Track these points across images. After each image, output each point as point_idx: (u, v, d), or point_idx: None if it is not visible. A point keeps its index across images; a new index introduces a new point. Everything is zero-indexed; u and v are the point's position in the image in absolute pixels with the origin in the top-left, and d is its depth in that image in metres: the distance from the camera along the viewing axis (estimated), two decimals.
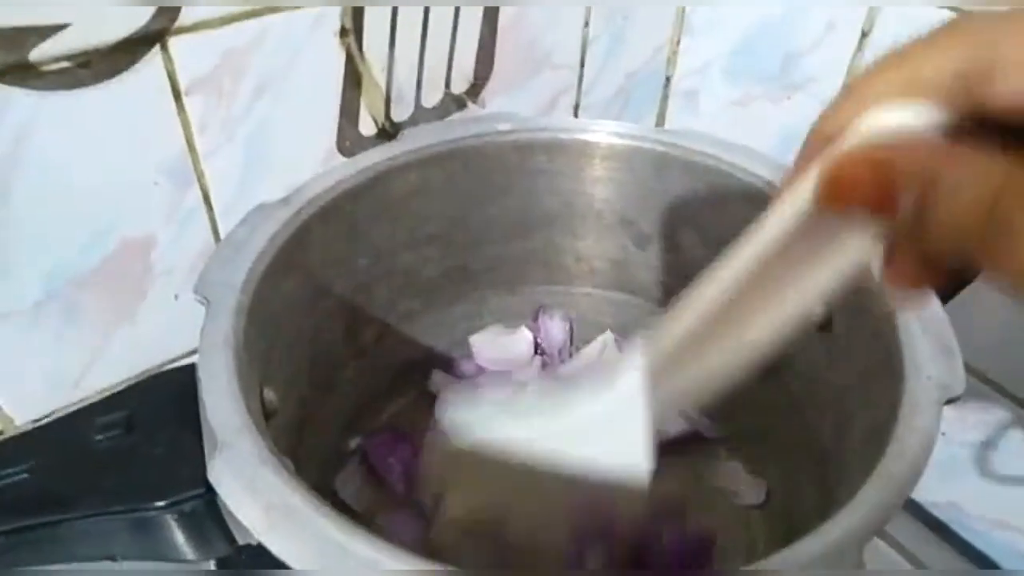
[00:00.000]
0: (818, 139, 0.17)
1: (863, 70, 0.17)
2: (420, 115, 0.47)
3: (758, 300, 0.20)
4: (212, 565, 0.40)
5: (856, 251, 0.17)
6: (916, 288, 0.17)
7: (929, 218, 0.14)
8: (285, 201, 0.31)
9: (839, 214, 0.16)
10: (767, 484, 0.39)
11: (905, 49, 0.16)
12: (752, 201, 0.34)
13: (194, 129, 0.40)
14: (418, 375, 0.43)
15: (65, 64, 0.34)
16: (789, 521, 0.35)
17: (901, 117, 0.15)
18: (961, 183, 0.14)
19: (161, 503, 0.24)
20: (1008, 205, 0.13)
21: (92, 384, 0.44)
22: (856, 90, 0.17)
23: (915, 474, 0.23)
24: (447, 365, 0.43)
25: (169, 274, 0.44)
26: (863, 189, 0.15)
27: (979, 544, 0.50)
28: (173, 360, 0.47)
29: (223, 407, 0.24)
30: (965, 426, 0.49)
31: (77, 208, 0.39)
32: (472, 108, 0.49)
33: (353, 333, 0.37)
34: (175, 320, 0.45)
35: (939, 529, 0.50)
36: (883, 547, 0.46)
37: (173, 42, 0.37)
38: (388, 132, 0.46)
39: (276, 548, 0.20)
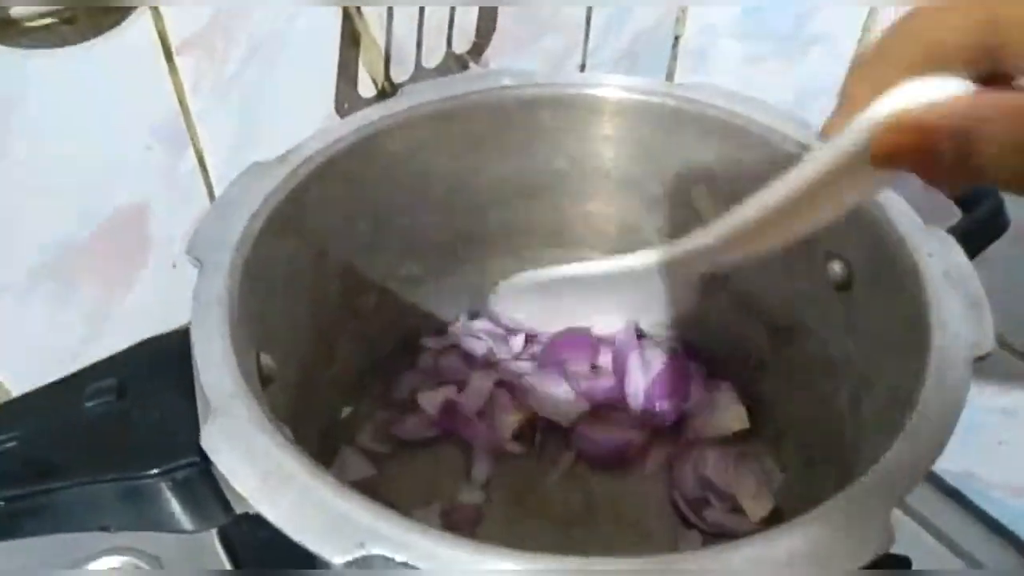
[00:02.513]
0: (851, 102, 0.19)
1: (883, 32, 0.19)
2: (421, 75, 0.45)
3: (778, 222, 0.25)
4: (215, 536, 0.40)
5: (884, 184, 0.22)
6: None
7: (972, 165, 0.16)
8: (281, 159, 0.30)
9: (884, 168, 0.18)
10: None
11: (921, 13, 0.18)
12: (767, 156, 0.33)
13: (187, 90, 0.39)
14: (423, 341, 0.42)
15: (49, 20, 0.33)
16: (808, 490, 0.34)
17: (934, 87, 0.17)
18: (997, 131, 0.15)
19: (154, 471, 0.23)
20: None
21: (92, 355, 0.43)
22: (883, 54, 0.19)
23: (945, 435, 0.22)
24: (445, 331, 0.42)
25: (166, 242, 0.43)
26: (909, 153, 0.17)
27: (995, 512, 0.49)
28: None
29: (217, 371, 0.23)
30: (983, 392, 0.48)
31: (69, 175, 0.38)
32: (474, 68, 0.48)
33: (353, 298, 0.36)
34: (175, 289, 0.44)
35: (955, 497, 0.49)
36: (899, 516, 0.45)
37: None
38: (388, 93, 0.45)
39: (273, 517, 0.19)
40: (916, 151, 0.17)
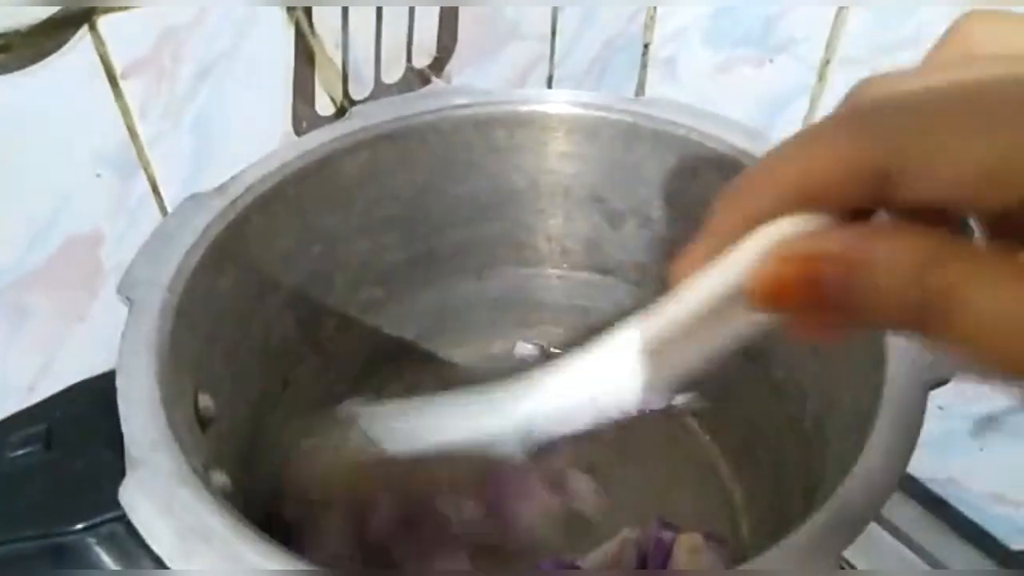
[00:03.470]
0: (715, 234, 0.17)
1: (766, 154, 0.16)
2: (380, 92, 0.44)
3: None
4: None
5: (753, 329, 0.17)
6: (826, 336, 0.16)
7: (859, 301, 0.14)
8: (220, 190, 0.29)
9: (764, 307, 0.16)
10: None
11: (808, 138, 0.16)
12: (724, 170, 0.32)
13: (135, 115, 0.38)
14: (385, 367, 0.41)
15: None
16: (776, 512, 0.33)
17: (811, 223, 0.15)
18: (880, 266, 0.14)
19: (80, 525, 0.22)
20: (938, 276, 0.13)
21: (48, 388, 0.42)
22: (757, 181, 0.16)
23: (898, 469, 0.21)
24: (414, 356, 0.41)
25: (120, 270, 0.41)
26: (792, 295, 0.15)
27: (978, 519, 0.48)
28: None
29: (142, 418, 0.22)
30: (964, 400, 0.48)
31: (15, 204, 0.37)
32: (436, 83, 0.47)
33: (309, 326, 0.35)
34: None
35: (937, 505, 0.49)
36: (877, 529, 0.44)
37: (103, 22, 0.35)
38: (347, 111, 0.44)
39: None
40: (802, 285, 0.15)
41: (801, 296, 0.15)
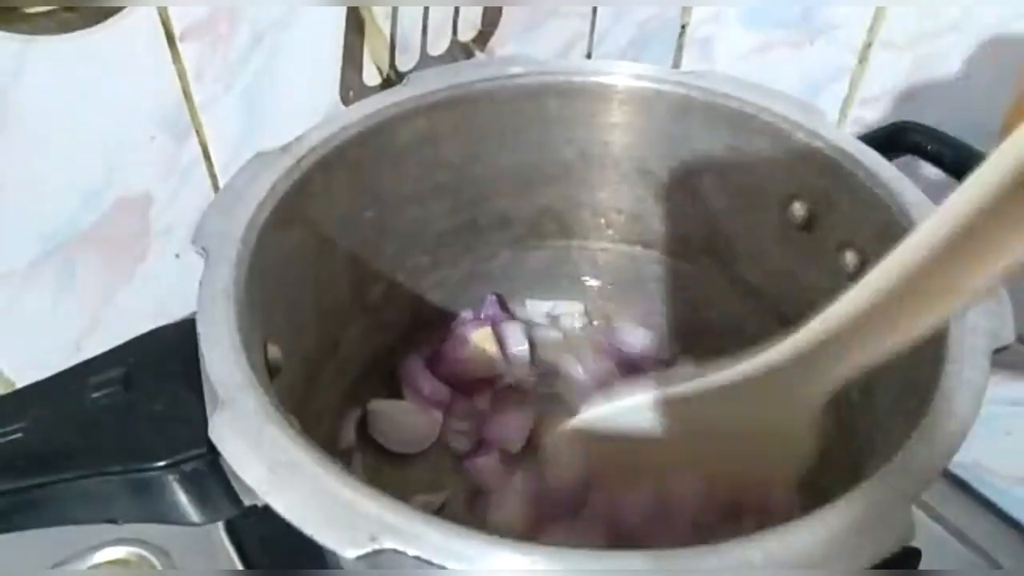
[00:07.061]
0: None
1: None
2: (426, 63, 0.45)
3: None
4: (221, 528, 0.40)
5: None
6: None
7: None
8: (285, 149, 0.30)
9: None
10: None
11: None
12: (776, 144, 0.32)
13: (190, 78, 0.38)
14: (427, 335, 0.41)
15: (50, 7, 0.33)
16: (815, 480, 0.34)
17: None
18: None
19: (161, 463, 0.22)
20: None
21: (95, 346, 0.43)
22: None
23: (964, 430, 0.21)
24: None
25: (169, 232, 0.43)
26: None
27: (1002, 503, 0.49)
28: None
29: (224, 362, 0.22)
30: (991, 383, 0.48)
31: (70, 164, 0.38)
32: (480, 57, 0.47)
33: (360, 289, 0.36)
34: (178, 280, 0.44)
35: (963, 487, 0.49)
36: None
37: None
38: (393, 82, 0.44)
39: (282, 508, 0.19)
40: None
41: None
